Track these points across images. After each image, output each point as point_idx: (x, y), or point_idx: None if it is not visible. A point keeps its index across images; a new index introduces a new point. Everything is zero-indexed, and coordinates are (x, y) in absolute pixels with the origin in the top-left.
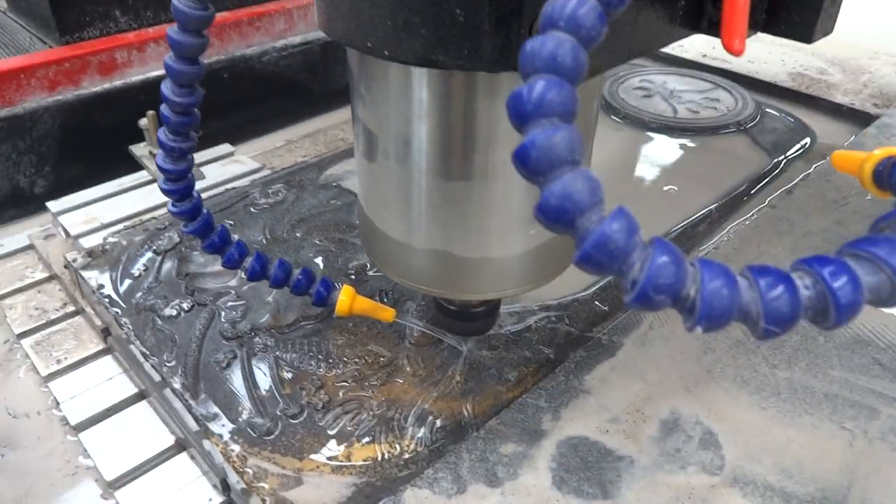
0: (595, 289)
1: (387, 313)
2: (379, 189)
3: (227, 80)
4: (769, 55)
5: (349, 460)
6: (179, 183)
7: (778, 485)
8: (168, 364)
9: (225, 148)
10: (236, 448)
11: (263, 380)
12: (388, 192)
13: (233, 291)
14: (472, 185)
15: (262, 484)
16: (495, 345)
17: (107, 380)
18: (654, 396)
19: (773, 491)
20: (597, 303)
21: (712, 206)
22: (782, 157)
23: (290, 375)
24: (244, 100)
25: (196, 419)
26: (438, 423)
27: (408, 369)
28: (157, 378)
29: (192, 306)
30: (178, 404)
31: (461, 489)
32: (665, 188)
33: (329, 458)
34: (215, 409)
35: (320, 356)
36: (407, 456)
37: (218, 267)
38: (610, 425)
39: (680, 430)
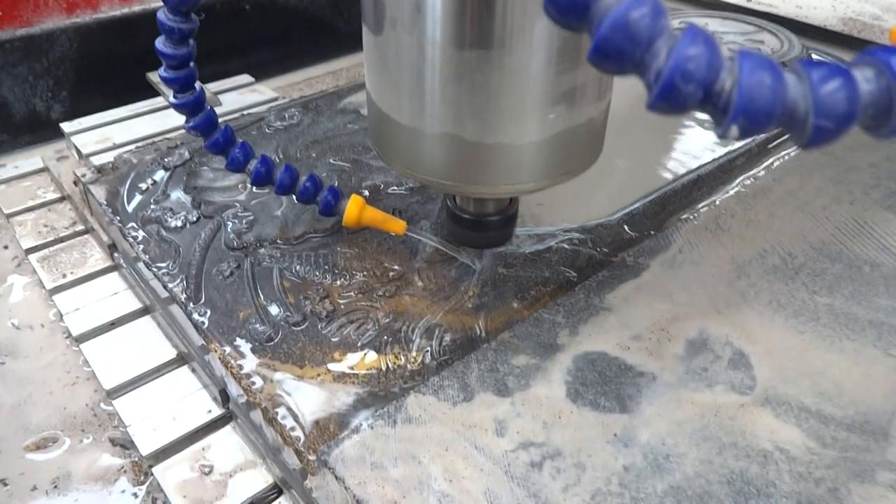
0: (622, 214)
1: (397, 225)
2: (386, 67)
3: (249, 12)
4: (819, 1)
5: (352, 370)
6: (180, 71)
7: (814, 407)
8: (170, 272)
9: (244, 78)
10: (235, 355)
11: (267, 289)
12: (395, 69)
13: (240, 205)
14: (487, 54)
15: (260, 390)
16: (512, 263)
17: (111, 294)
18: (680, 316)
19: (809, 413)
20: (625, 227)
21: (754, 140)
22: None
23: (294, 286)
24: (266, 35)
25: (195, 326)
26: (448, 336)
27: (419, 283)
28: (161, 292)
29: (199, 218)
30: (180, 315)
31: (468, 397)
32: (706, 125)
33: (331, 367)
34: (215, 316)
35: (326, 267)
36: (412, 368)
37: (227, 181)
38: (631, 342)
39: (708, 349)
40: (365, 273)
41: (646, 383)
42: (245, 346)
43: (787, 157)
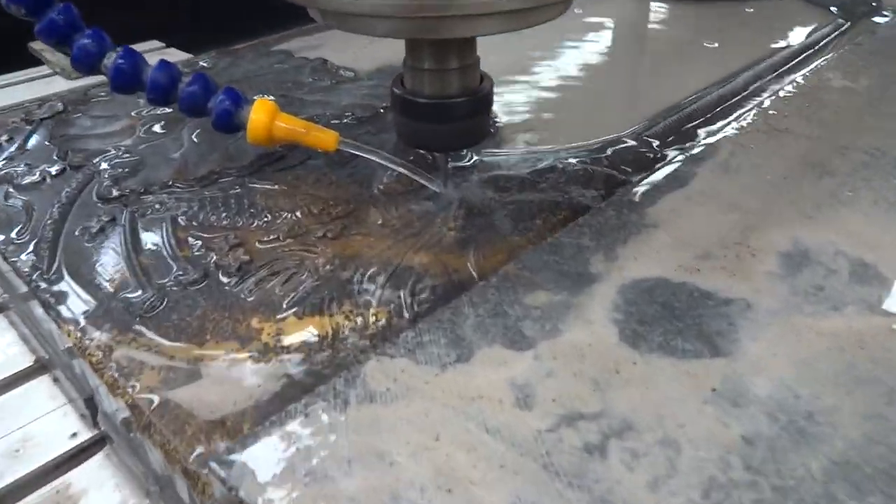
0: (641, 129)
1: (326, 136)
2: None
3: None
4: None
5: (278, 341)
6: None
7: None
8: (17, 242)
9: (153, 43)
10: (98, 336)
11: (151, 244)
12: None
13: (123, 148)
14: None
15: (132, 382)
16: (506, 187)
17: None
18: (758, 226)
19: None
20: (650, 142)
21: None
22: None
23: (191, 235)
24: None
25: (44, 306)
26: (425, 283)
27: (375, 220)
28: (6, 270)
29: (63, 170)
30: (31, 300)
31: (464, 355)
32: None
33: (246, 339)
34: (75, 290)
35: (240, 208)
36: (373, 331)
37: (110, 126)
38: (699, 262)
39: (814, 262)
40: (297, 213)
41: (738, 313)
42: (116, 326)
43: (831, 58)
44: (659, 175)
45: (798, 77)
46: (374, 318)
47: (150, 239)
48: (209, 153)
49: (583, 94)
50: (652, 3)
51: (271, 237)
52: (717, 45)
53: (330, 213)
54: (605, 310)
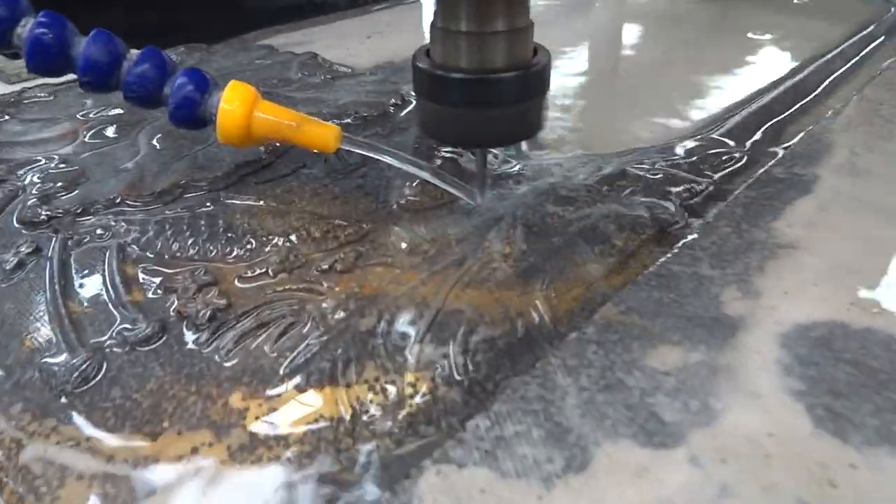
0: (717, 127)
1: (324, 132)
2: None
3: None
4: None
5: (272, 430)
6: None
7: None
8: None
9: None
10: (1, 426)
11: (89, 284)
12: None
13: (57, 158)
14: None
15: (48, 501)
16: (568, 198)
17: None
18: None
19: None
20: (728, 142)
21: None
22: None
23: (145, 271)
24: (155, 6)
25: None
26: (482, 332)
27: (400, 246)
28: None
29: None
30: None
31: (576, 460)
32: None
33: (222, 430)
34: None
35: (212, 232)
36: (412, 409)
37: (48, 132)
38: (881, 296)
39: None
40: (292, 237)
41: None
42: (29, 408)
43: None
44: (764, 180)
45: (885, 66)
46: (411, 388)
47: (86, 277)
48: (172, 161)
49: (632, 88)
50: None
51: (257, 272)
52: (768, 36)
53: (337, 236)
54: (773, 375)
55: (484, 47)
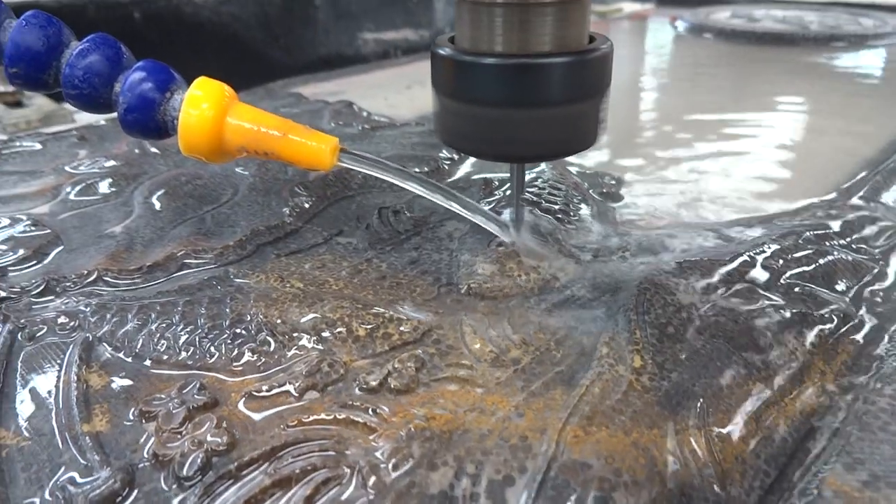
0: (846, 188)
1: (318, 144)
2: None
3: (140, 22)
4: None
5: None
6: None
7: None
8: None
9: None
10: None
11: (33, 401)
12: None
13: (25, 218)
14: None
15: None
16: (688, 268)
17: None
18: None
19: None
20: (863, 203)
21: None
22: None
23: (116, 383)
24: (168, 57)
25: None
26: (620, 503)
27: (482, 349)
28: None
29: None
30: None
31: None
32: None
33: None
34: None
35: (215, 325)
36: None
37: (24, 187)
38: None
39: None
40: (325, 334)
41: None
42: None
43: None
44: None
45: None
46: None
47: (31, 390)
48: (171, 225)
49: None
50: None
51: (275, 389)
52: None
53: (389, 334)
54: None
55: (526, 23)
